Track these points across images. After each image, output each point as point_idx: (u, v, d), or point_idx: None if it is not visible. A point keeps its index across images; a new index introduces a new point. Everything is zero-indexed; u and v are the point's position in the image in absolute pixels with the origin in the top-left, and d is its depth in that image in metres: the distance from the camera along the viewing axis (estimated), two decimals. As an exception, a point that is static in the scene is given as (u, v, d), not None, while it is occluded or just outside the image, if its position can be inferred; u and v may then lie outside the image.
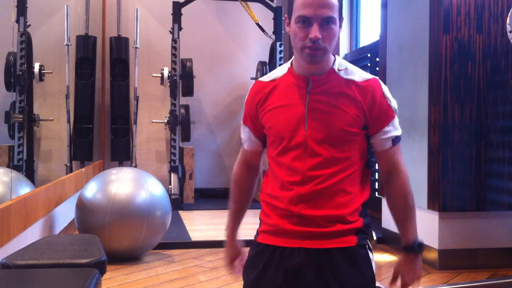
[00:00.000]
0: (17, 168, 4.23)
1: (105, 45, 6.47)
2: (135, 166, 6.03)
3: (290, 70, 1.53)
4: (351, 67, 1.51)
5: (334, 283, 1.43)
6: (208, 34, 6.99)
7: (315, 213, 1.44)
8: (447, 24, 3.49)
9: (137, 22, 6.23)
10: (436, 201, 3.51)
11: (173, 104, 6.11)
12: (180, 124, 6.21)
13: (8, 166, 4.18)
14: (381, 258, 3.70)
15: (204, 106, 7.06)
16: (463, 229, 3.54)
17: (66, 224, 4.24)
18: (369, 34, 5.86)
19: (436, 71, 3.53)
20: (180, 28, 6.16)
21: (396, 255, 3.81)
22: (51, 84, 5.50)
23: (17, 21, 4.35)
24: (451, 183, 3.49)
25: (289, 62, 1.55)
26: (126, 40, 6.47)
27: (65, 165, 5.55)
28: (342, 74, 1.49)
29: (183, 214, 5.43)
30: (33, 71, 4.97)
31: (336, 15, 1.41)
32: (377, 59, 4.81)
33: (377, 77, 1.52)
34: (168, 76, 6.15)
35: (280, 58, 6.27)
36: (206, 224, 5.05)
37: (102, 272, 1.92)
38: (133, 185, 3.63)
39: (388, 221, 4.06)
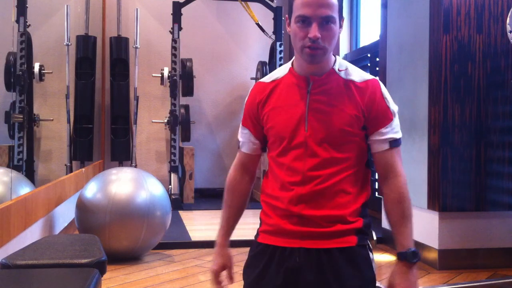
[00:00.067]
0: (17, 168, 4.23)
1: (105, 45, 6.47)
2: (135, 166, 6.03)
3: (291, 70, 1.53)
4: (352, 67, 1.51)
5: (334, 283, 1.43)
6: (208, 34, 6.99)
7: (315, 213, 1.44)
8: (447, 24, 3.49)
9: (137, 22, 6.23)
10: (436, 201, 3.51)
11: (173, 104, 6.11)
12: (180, 124, 6.21)
13: (8, 166, 4.18)
14: (381, 258, 3.70)
15: (204, 106, 7.06)
16: (463, 229, 3.54)
17: (66, 224, 4.24)
18: (369, 34, 5.86)
19: (436, 71, 3.53)
20: (180, 28, 6.16)
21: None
22: (51, 84, 5.50)
23: (17, 21, 4.35)
24: (451, 183, 3.49)
25: (290, 62, 1.55)
26: (126, 40, 6.47)
27: (65, 165, 5.55)
28: (342, 74, 1.49)
29: (183, 214, 5.43)
30: (33, 71, 4.97)
31: (335, 15, 1.41)
32: (377, 59, 4.81)
33: (377, 78, 1.52)
34: (168, 76, 6.15)
35: (280, 58, 6.27)
36: (206, 224, 5.05)
37: (102, 272, 1.92)
38: (133, 185, 3.63)
39: (388, 221, 4.06)
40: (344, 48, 6.28)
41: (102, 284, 1.87)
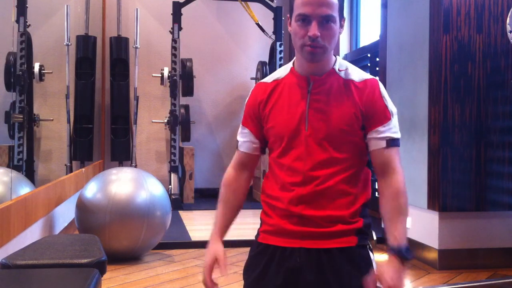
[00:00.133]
0: (17, 168, 4.23)
1: (105, 45, 6.47)
2: (135, 166, 6.03)
3: (292, 70, 1.53)
4: (352, 67, 1.52)
5: (335, 283, 1.43)
6: (208, 34, 6.99)
7: (315, 213, 1.44)
8: (447, 24, 3.49)
9: (137, 22, 6.23)
10: (436, 201, 3.51)
11: (173, 104, 6.11)
12: (180, 124, 6.21)
13: (8, 166, 4.18)
14: (381, 258, 3.70)
15: (204, 106, 7.06)
16: (463, 229, 3.54)
17: (66, 224, 4.24)
18: (369, 34, 5.86)
19: (436, 71, 3.53)
20: (180, 28, 6.16)
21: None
22: (51, 84, 5.50)
23: (17, 21, 4.34)
24: (451, 183, 3.49)
25: (291, 62, 1.55)
26: (126, 40, 6.47)
27: (65, 165, 5.55)
28: (342, 74, 1.49)
29: (183, 214, 5.43)
30: (33, 71, 4.97)
31: (336, 14, 1.41)
32: (377, 59, 4.81)
33: (376, 78, 1.52)
34: (168, 76, 6.15)
35: (280, 58, 6.27)
36: (206, 224, 5.04)
37: (102, 272, 1.92)
38: (133, 185, 3.63)
39: (388, 221, 4.05)
40: (344, 48, 6.28)
41: (102, 284, 1.87)
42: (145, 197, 3.58)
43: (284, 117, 1.48)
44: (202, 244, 4.11)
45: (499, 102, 3.54)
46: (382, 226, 4.37)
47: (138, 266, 3.54)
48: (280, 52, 6.31)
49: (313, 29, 1.39)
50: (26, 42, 4.48)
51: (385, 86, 1.54)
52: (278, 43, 6.32)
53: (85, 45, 6.08)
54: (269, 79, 1.57)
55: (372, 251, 1.50)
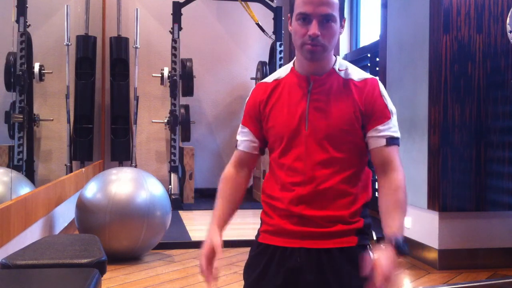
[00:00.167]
0: (17, 168, 4.22)
1: (105, 45, 6.47)
2: (135, 166, 6.03)
3: (292, 70, 1.53)
4: (352, 67, 1.52)
5: (335, 283, 1.43)
6: (208, 34, 6.99)
7: (316, 213, 1.44)
8: (447, 24, 3.49)
9: (137, 22, 6.23)
10: (436, 201, 3.51)
11: (173, 104, 6.11)
12: (180, 124, 6.21)
13: (8, 166, 4.18)
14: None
15: (204, 106, 7.06)
16: (463, 229, 3.54)
17: (66, 224, 4.24)
18: (369, 34, 5.86)
19: (436, 71, 3.53)
20: (180, 28, 6.16)
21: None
22: (51, 84, 5.50)
23: (17, 21, 4.34)
24: (451, 183, 3.49)
25: (292, 62, 1.55)
26: (126, 40, 6.47)
27: (65, 165, 5.55)
28: (342, 74, 1.49)
29: (183, 214, 5.43)
30: (33, 71, 4.97)
31: (336, 13, 1.42)
32: (377, 59, 4.81)
33: (376, 77, 1.52)
34: (168, 76, 6.15)
35: (280, 58, 6.27)
36: (206, 224, 5.00)
37: (102, 272, 1.92)
38: (133, 185, 3.63)
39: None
40: (344, 48, 6.28)
41: (102, 284, 1.87)
42: (145, 197, 3.58)
43: (284, 117, 1.49)
44: (202, 244, 4.11)
45: (499, 102, 3.54)
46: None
47: (138, 266, 3.54)
48: (280, 52, 6.31)
49: (313, 28, 1.40)
50: (26, 42, 4.48)
51: (385, 86, 1.54)
52: (278, 43, 6.32)
53: (85, 45, 6.08)
54: (269, 79, 1.57)
55: (372, 251, 1.50)
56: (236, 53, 7.13)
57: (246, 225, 5.03)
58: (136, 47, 6.27)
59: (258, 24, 6.43)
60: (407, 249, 1.35)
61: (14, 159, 4.27)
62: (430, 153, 3.59)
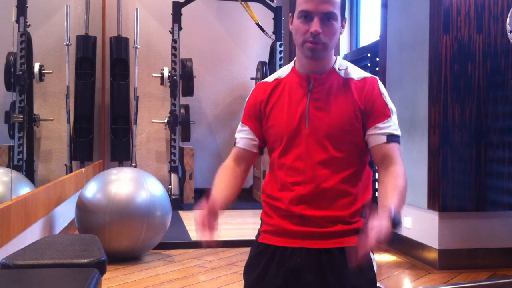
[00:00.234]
0: (17, 168, 4.22)
1: (105, 45, 6.47)
2: (135, 166, 6.03)
3: (293, 69, 1.54)
4: (352, 67, 1.52)
5: (335, 283, 1.43)
6: (208, 34, 6.99)
7: (316, 213, 1.44)
8: (447, 24, 3.49)
9: (137, 22, 6.23)
10: (436, 201, 3.51)
11: (173, 104, 6.11)
12: (180, 124, 6.21)
13: (8, 166, 4.18)
14: (381, 258, 3.70)
15: (204, 106, 7.06)
16: (463, 229, 3.54)
17: (66, 224, 4.24)
18: (369, 34, 5.86)
19: (436, 71, 3.53)
20: (180, 28, 6.16)
21: (393, 252, 3.82)
22: (51, 84, 5.50)
23: (17, 21, 4.34)
24: (451, 183, 3.49)
25: (293, 62, 1.56)
26: (126, 40, 6.47)
27: (65, 165, 5.55)
28: (342, 73, 1.50)
29: (183, 214, 5.43)
30: (33, 71, 4.97)
31: (337, 12, 1.42)
32: (377, 59, 4.81)
33: (375, 76, 1.52)
34: (168, 76, 6.15)
35: (280, 58, 6.27)
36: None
37: (102, 272, 1.92)
38: (133, 185, 3.63)
39: (388, 221, 4.05)
40: (344, 48, 6.27)
41: (102, 284, 1.87)
42: (145, 197, 3.58)
43: (285, 116, 1.49)
44: (202, 244, 4.11)
45: (499, 102, 3.54)
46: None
47: (138, 266, 3.54)
48: (280, 52, 6.31)
49: (315, 25, 1.40)
50: (26, 42, 4.48)
51: (385, 86, 1.54)
52: (278, 43, 6.32)
53: (85, 45, 6.08)
54: (270, 78, 1.58)
55: (372, 252, 1.50)
56: (236, 53, 7.13)
57: (246, 225, 5.03)
58: (136, 47, 6.27)
59: (258, 24, 6.43)
60: (400, 222, 1.30)
61: (14, 159, 4.26)
62: (430, 153, 3.59)
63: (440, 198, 3.48)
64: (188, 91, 6.40)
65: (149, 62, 6.75)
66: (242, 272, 1.58)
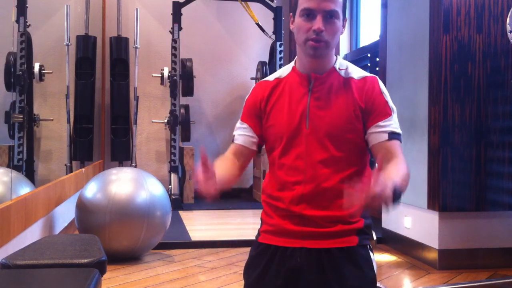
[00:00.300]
0: (17, 168, 4.22)
1: (105, 45, 6.47)
2: (135, 166, 6.03)
3: (294, 69, 1.54)
4: (352, 67, 1.52)
5: (335, 283, 1.43)
6: (208, 34, 6.99)
7: (316, 213, 1.44)
8: (447, 24, 3.49)
9: (137, 22, 6.23)
10: (436, 201, 3.51)
11: (173, 104, 6.11)
12: (180, 124, 6.21)
13: (8, 166, 4.18)
14: (381, 258, 3.70)
15: (204, 106, 7.06)
16: (463, 229, 3.54)
17: (66, 224, 4.24)
18: (369, 34, 5.86)
19: (436, 71, 3.53)
20: (180, 28, 6.16)
21: (394, 252, 3.82)
22: (51, 84, 5.50)
23: (17, 21, 4.34)
24: (451, 183, 3.49)
25: (293, 61, 1.56)
26: (126, 40, 6.47)
27: (65, 165, 5.55)
28: (342, 73, 1.50)
29: (183, 214, 5.43)
30: (33, 71, 4.97)
31: (339, 10, 1.42)
32: (377, 59, 4.81)
33: (376, 76, 1.52)
34: (168, 76, 6.15)
35: (280, 58, 6.27)
36: (206, 224, 5.04)
37: (102, 272, 1.92)
38: (133, 185, 3.63)
39: (388, 221, 4.06)
40: (344, 48, 6.28)
41: (102, 284, 1.87)
42: (145, 197, 3.58)
43: (285, 116, 1.49)
44: (202, 244, 4.11)
45: (499, 102, 3.54)
46: (383, 226, 4.35)
47: (138, 266, 3.54)
48: (280, 52, 6.31)
49: (318, 23, 1.40)
50: (26, 42, 4.48)
51: (385, 86, 1.54)
52: (278, 43, 6.32)
53: (85, 45, 6.08)
54: (271, 77, 1.58)
55: (372, 251, 1.50)
56: (236, 53, 7.13)
57: (246, 225, 5.04)
58: (136, 47, 6.27)
59: (258, 24, 6.43)
60: (400, 198, 1.26)
61: (14, 159, 4.27)
62: (430, 153, 3.59)
63: (440, 198, 3.48)
64: (188, 91, 6.41)
65: (149, 62, 6.75)
66: (242, 272, 1.58)
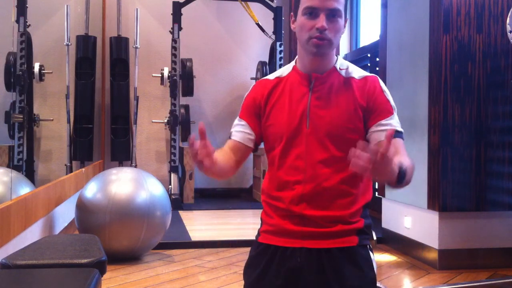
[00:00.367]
0: (17, 168, 4.22)
1: (105, 45, 6.47)
2: (135, 166, 6.03)
3: (294, 68, 1.54)
4: (352, 67, 1.52)
5: (335, 283, 1.43)
6: (208, 34, 6.99)
7: (316, 213, 1.44)
8: (447, 24, 3.49)
9: (137, 22, 6.23)
10: (436, 201, 3.51)
11: (173, 104, 6.11)
12: (180, 124, 6.21)
13: (8, 166, 4.18)
14: (381, 258, 3.70)
15: (204, 106, 7.06)
16: (463, 229, 3.54)
17: (66, 224, 4.24)
18: (369, 34, 5.86)
19: (436, 71, 3.53)
20: (180, 28, 6.16)
21: (395, 253, 3.82)
22: (51, 84, 5.50)
23: (17, 21, 4.34)
24: (451, 183, 3.49)
25: (294, 61, 1.55)
26: (126, 40, 6.47)
27: (65, 165, 5.55)
28: (343, 73, 1.50)
29: (183, 214, 5.43)
30: (33, 71, 4.97)
31: (342, 9, 1.42)
32: (377, 59, 4.81)
33: (376, 75, 1.52)
34: (168, 76, 6.15)
35: (280, 58, 6.27)
36: (206, 224, 5.04)
37: (102, 272, 1.92)
38: (133, 185, 3.63)
39: (388, 221, 4.06)
40: (344, 48, 6.28)
41: (102, 284, 1.87)
42: (145, 197, 3.58)
43: (285, 115, 1.49)
44: (202, 244, 4.11)
45: (499, 102, 3.54)
46: (383, 226, 4.35)
47: (138, 266, 3.54)
48: (280, 52, 6.31)
49: (321, 21, 1.40)
50: (26, 42, 4.48)
51: (385, 86, 1.54)
52: (278, 43, 6.32)
53: (85, 45, 6.08)
54: (271, 76, 1.58)
55: (372, 251, 1.50)
56: (236, 53, 7.13)
57: (246, 225, 5.04)
58: (136, 47, 6.27)
59: (258, 24, 6.43)
60: (403, 180, 1.26)
61: (14, 159, 4.27)
62: (430, 153, 3.59)
63: (440, 198, 3.48)
64: (188, 91, 6.41)
65: (149, 62, 6.75)
66: (242, 272, 1.58)
